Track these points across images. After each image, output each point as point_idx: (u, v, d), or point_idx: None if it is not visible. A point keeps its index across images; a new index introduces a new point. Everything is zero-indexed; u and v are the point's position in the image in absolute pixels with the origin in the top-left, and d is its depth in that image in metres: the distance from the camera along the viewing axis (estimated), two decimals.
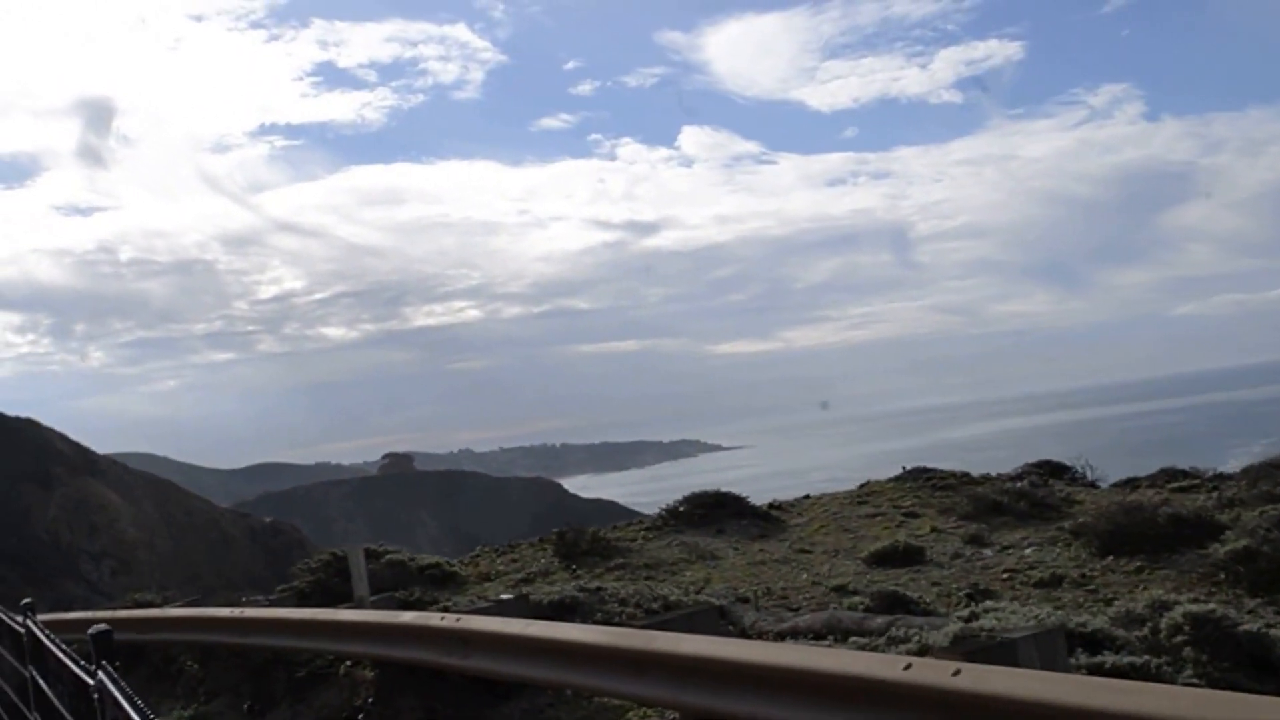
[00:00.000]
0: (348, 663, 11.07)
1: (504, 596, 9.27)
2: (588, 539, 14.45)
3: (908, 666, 5.22)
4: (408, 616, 9.20)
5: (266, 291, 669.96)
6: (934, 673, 5.10)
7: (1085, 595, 9.97)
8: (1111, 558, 11.16)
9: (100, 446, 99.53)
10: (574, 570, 13.48)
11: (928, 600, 9.82)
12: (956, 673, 5.00)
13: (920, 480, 18.83)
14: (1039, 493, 15.72)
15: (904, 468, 19.52)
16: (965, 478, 18.78)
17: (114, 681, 3.45)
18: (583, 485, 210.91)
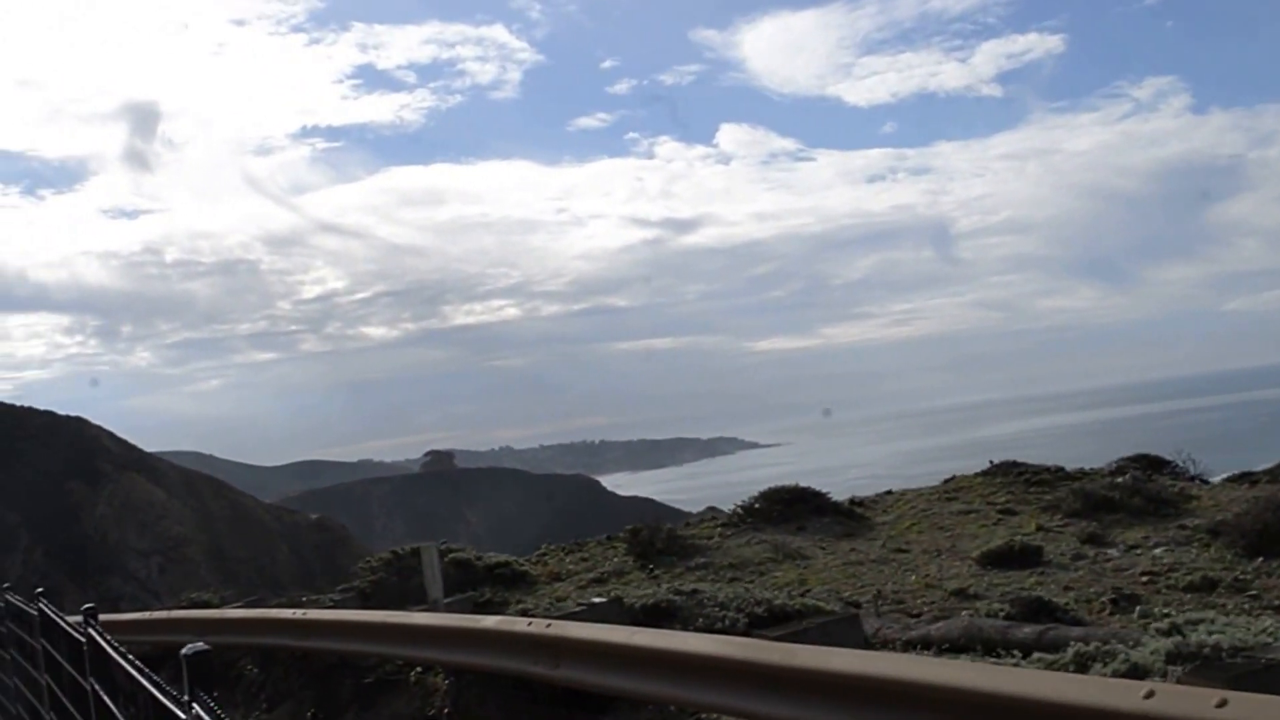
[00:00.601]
0: (418, 669, 10.25)
1: (595, 600, 8.36)
2: (663, 537, 13.52)
3: (1149, 694, 4.20)
4: (489, 621, 8.32)
5: (309, 291, 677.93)
6: (1188, 703, 4.08)
7: (1248, 601, 8.86)
8: (1262, 559, 10.02)
9: (147, 445, 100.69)
10: (651, 570, 12.57)
11: (1071, 606, 8.75)
12: (1222, 704, 3.98)
13: (1011, 475, 17.68)
14: (1151, 488, 14.54)
15: (991, 461, 18.36)
16: (1060, 472, 17.61)
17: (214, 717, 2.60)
18: (621, 482, 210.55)
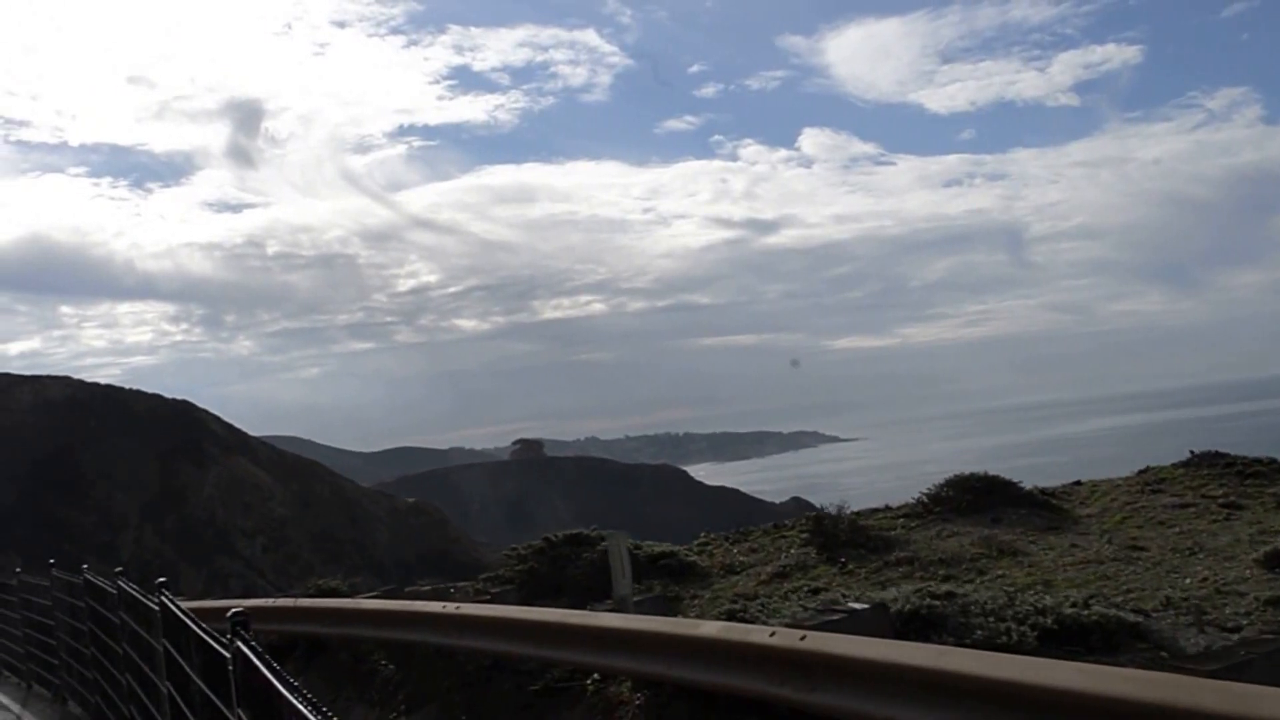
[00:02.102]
0: (594, 676, 8.69)
1: (854, 605, 6.61)
2: (846, 526, 11.71)
3: None
4: (711, 628, 6.67)
5: (404, 285, 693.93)
6: None
7: None
8: None
9: (249, 431, 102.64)
10: (844, 565, 10.78)
11: None
12: None
13: (1218, 466, 15.45)
14: None
15: (1191, 452, 16.12)
16: (1274, 464, 15.35)
17: None
18: (705, 473, 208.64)
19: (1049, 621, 6.61)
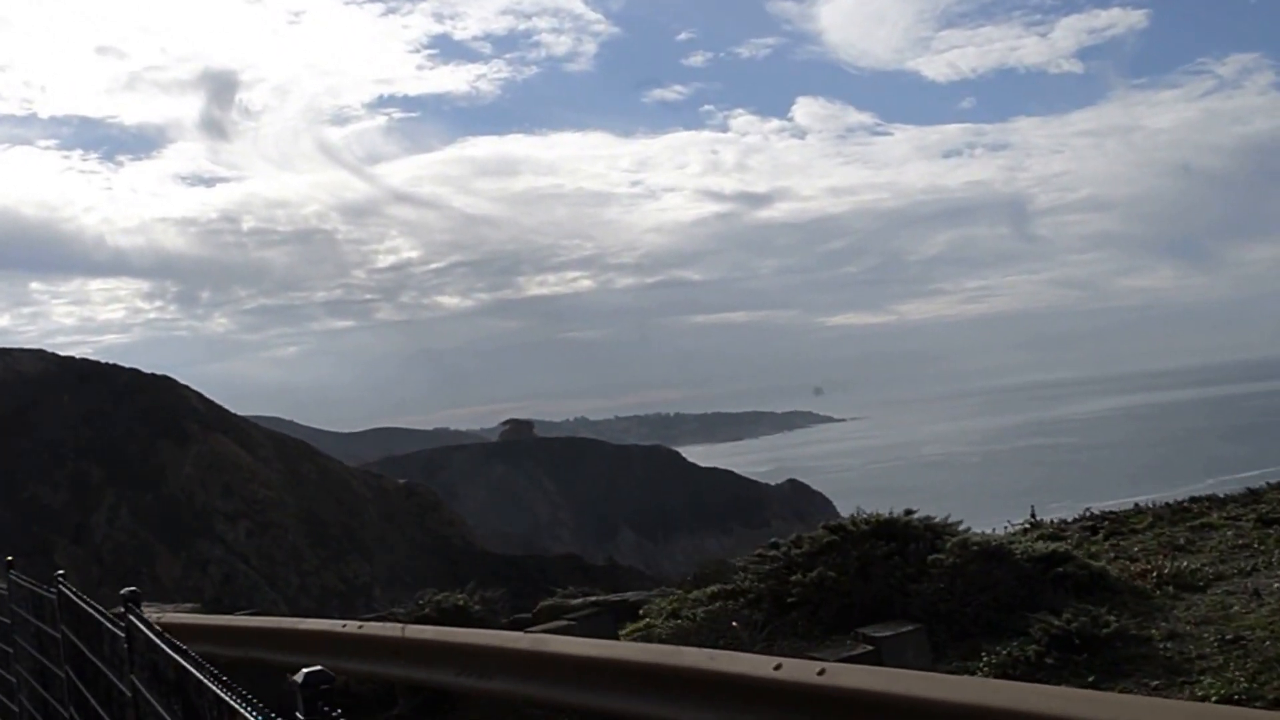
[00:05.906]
0: None
1: None
2: None
3: None
4: None
5: (384, 261, 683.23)
6: None
7: None
8: None
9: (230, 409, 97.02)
10: None
11: None
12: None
13: None
14: None
15: None
16: None
17: None
18: (698, 455, 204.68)
19: None
